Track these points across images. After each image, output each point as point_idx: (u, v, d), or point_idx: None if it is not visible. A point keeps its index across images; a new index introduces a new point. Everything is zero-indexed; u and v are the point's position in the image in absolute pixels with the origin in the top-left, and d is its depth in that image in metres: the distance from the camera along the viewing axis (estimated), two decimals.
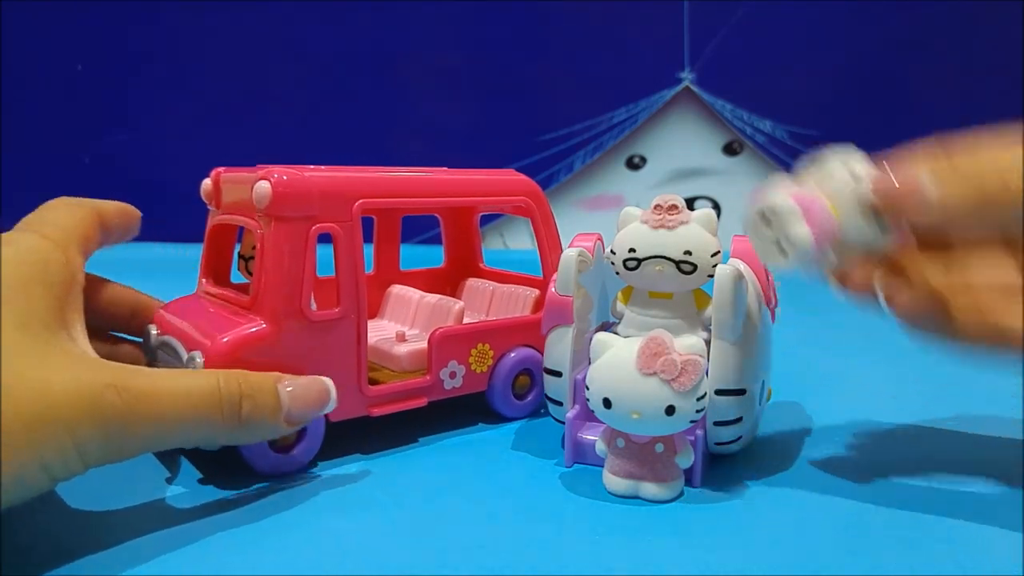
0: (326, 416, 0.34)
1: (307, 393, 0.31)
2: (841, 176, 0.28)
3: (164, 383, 0.27)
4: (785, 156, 1.28)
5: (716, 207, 1.30)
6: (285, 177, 0.32)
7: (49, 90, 1.29)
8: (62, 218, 0.33)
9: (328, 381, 0.32)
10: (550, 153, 1.30)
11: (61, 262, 0.30)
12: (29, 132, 1.29)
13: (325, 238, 0.33)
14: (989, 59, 1.22)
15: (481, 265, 0.50)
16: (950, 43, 1.22)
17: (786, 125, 1.27)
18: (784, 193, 0.28)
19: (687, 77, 1.28)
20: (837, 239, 0.27)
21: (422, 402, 0.37)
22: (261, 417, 0.29)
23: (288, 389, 0.30)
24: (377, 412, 0.35)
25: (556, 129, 1.29)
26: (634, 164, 1.31)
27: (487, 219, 1.27)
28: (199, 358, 0.31)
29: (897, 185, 0.26)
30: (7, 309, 0.26)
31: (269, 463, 0.32)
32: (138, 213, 0.39)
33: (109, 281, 0.39)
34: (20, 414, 0.23)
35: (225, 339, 0.31)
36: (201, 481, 0.32)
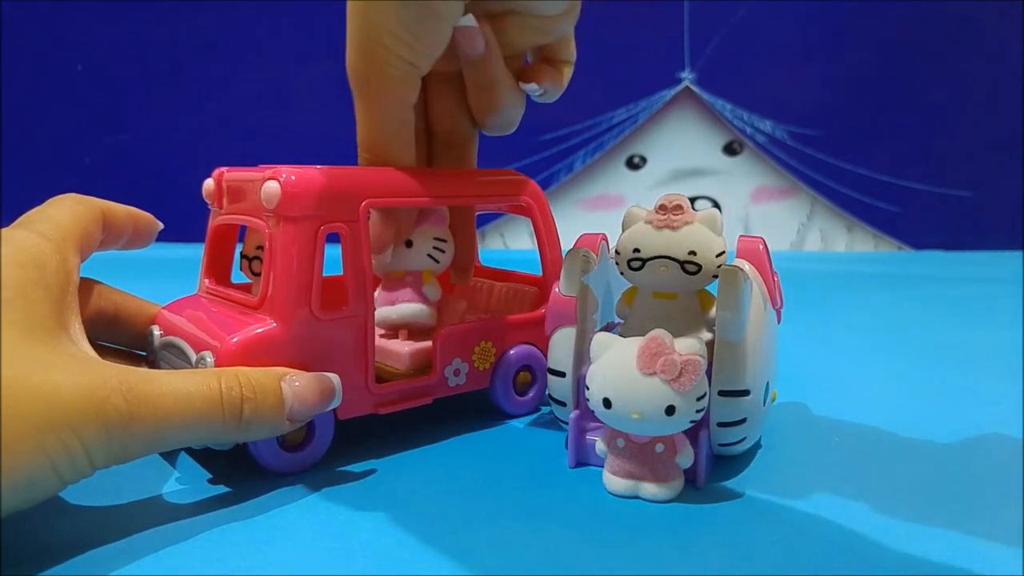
0: (335, 414, 0.34)
1: (310, 390, 0.31)
2: None
3: (166, 386, 0.27)
4: (785, 156, 1.28)
5: (716, 207, 1.30)
6: (294, 177, 0.32)
7: (49, 90, 1.29)
8: (61, 215, 0.32)
9: (334, 377, 0.32)
10: (550, 153, 1.31)
11: (58, 262, 0.29)
12: (30, 132, 1.29)
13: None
14: (989, 59, 1.22)
15: (477, 263, 0.51)
16: (950, 43, 1.22)
17: (786, 125, 1.27)
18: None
19: (687, 77, 1.28)
20: None
21: (427, 400, 0.37)
22: (262, 417, 0.30)
23: (295, 384, 0.31)
24: (384, 410, 0.36)
25: (556, 129, 1.30)
26: (634, 164, 1.32)
27: (487, 219, 1.28)
28: (209, 358, 0.31)
29: None
30: (10, 314, 0.26)
31: (279, 461, 0.32)
32: (156, 222, 0.38)
33: (95, 281, 0.36)
34: (30, 419, 0.24)
35: (235, 339, 0.31)
36: (210, 480, 0.32)
